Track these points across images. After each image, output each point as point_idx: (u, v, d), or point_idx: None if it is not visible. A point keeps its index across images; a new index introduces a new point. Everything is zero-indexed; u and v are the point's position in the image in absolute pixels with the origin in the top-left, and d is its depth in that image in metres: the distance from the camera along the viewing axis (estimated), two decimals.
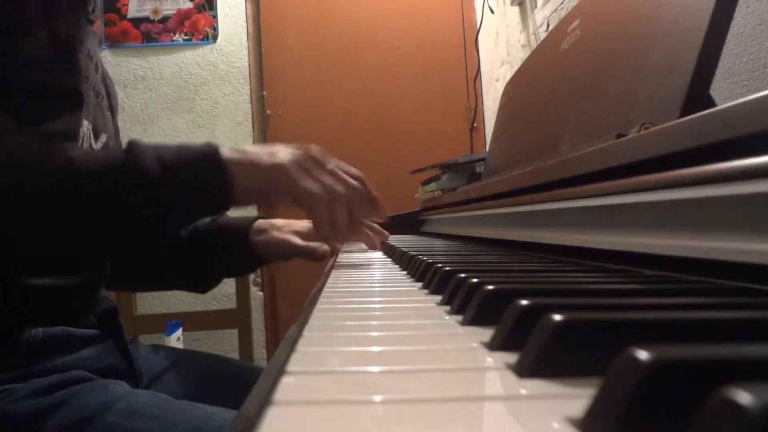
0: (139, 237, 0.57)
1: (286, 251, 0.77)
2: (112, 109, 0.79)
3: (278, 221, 0.80)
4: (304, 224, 0.79)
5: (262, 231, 0.79)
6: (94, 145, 0.69)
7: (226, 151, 0.55)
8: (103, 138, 0.72)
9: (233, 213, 0.68)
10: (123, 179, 0.51)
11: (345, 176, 0.61)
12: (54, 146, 0.52)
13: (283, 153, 0.57)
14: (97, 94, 0.71)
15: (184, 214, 0.57)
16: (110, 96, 0.78)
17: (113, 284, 0.79)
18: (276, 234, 0.79)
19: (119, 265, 0.76)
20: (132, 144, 0.53)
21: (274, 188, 0.56)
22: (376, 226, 0.77)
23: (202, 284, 0.84)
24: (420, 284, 0.44)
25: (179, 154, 0.54)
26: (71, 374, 0.58)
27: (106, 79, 0.78)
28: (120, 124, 0.83)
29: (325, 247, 0.70)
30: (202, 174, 0.53)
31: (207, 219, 0.81)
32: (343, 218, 0.59)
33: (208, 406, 0.60)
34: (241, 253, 0.79)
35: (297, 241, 0.76)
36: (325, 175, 0.59)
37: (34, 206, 0.50)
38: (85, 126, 0.66)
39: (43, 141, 0.53)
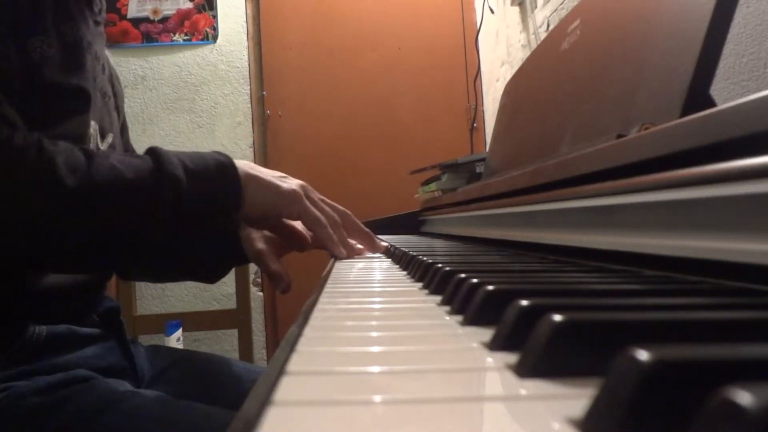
0: (157, 239, 0.59)
1: (250, 254, 0.70)
2: (118, 108, 0.79)
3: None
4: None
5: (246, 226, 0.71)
6: (100, 145, 0.70)
7: (239, 162, 0.59)
8: (110, 138, 0.72)
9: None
10: (156, 185, 0.53)
11: (334, 206, 0.69)
12: (93, 151, 0.54)
13: (291, 179, 0.64)
14: (104, 94, 0.72)
15: (200, 221, 0.57)
16: (116, 95, 0.79)
17: (124, 276, 0.78)
18: (249, 231, 0.71)
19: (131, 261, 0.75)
20: (156, 151, 0.55)
21: (285, 207, 0.61)
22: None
23: (212, 272, 0.78)
24: (420, 284, 0.44)
25: (199, 161, 0.57)
26: (75, 373, 0.59)
27: (112, 78, 0.79)
28: None
29: (287, 281, 0.67)
30: (220, 182, 0.57)
31: None
32: (344, 237, 0.67)
33: (208, 406, 0.60)
34: (230, 243, 0.72)
35: (261, 247, 0.69)
36: (321, 204, 0.66)
37: (77, 210, 0.51)
38: (93, 126, 0.67)
39: (84, 150, 0.54)
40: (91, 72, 0.67)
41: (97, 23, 0.70)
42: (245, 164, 0.60)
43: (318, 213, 0.63)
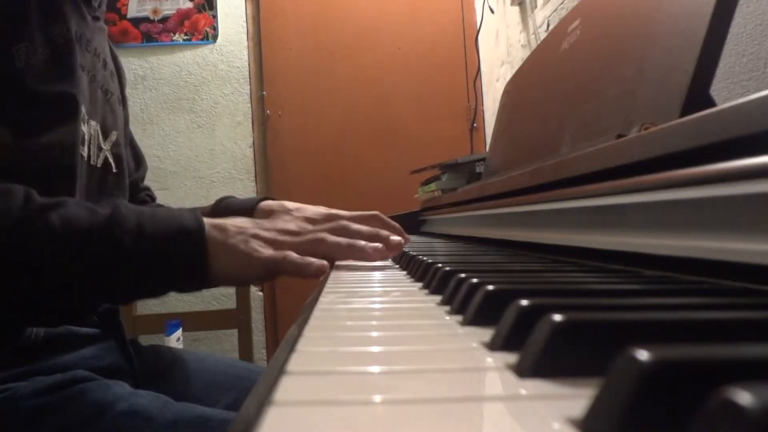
0: (110, 299, 0.56)
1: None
2: (124, 100, 0.78)
3: (290, 204, 0.66)
4: (319, 210, 0.64)
5: (269, 213, 0.66)
6: (103, 145, 0.69)
7: (209, 228, 0.53)
8: (113, 136, 0.72)
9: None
10: (97, 249, 0.49)
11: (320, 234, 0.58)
12: (35, 206, 0.49)
13: (255, 236, 0.55)
14: (106, 91, 0.71)
15: (156, 285, 0.54)
16: (122, 87, 0.77)
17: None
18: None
19: None
20: (115, 212, 0.51)
21: (249, 274, 0.54)
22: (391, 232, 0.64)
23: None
24: (420, 284, 0.44)
25: (161, 227, 0.51)
26: (73, 374, 0.58)
27: (119, 71, 0.77)
28: None
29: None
30: (180, 252, 0.51)
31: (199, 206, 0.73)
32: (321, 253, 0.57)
33: (207, 407, 0.60)
34: None
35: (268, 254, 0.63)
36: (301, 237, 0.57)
37: (5, 266, 0.48)
38: (93, 127, 0.66)
39: (26, 196, 0.49)
40: (91, 70, 0.66)
41: (96, 18, 0.69)
42: (217, 228, 0.53)
43: (269, 254, 0.54)
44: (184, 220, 0.53)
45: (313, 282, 0.51)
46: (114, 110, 0.73)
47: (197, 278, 0.52)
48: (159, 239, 0.51)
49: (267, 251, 0.54)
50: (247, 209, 0.70)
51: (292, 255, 0.54)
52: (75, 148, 0.61)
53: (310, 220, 0.61)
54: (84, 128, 0.64)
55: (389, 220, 0.65)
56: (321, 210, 0.63)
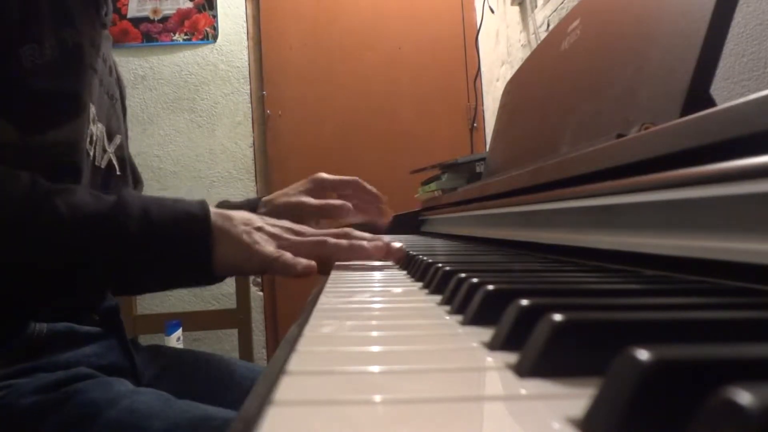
0: (114, 287, 0.58)
1: (302, 211, 0.70)
2: (124, 110, 0.80)
3: (285, 189, 0.74)
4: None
5: (269, 201, 0.75)
6: (107, 147, 0.71)
7: (215, 215, 0.54)
8: (117, 140, 0.73)
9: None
10: (102, 234, 0.50)
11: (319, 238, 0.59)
12: (41, 190, 0.50)
13: (260, 229, 0.56)
14: (111, 96, 0.73)
15: (161, 272, 0.54)
16: (123, 97, 0.79)
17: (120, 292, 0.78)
18: (286, 199, 0.74)
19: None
20: (120, 198, 0.52)
21: (247, 267, 0.55)
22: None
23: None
24: (420, 284, 0.44)
25: (167, 213, 0.52)
26: (76, 371, 0.59)
27: (120, 80, 0.79)
28: None
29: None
30: (184, 237, 0.52)
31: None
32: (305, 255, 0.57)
33: (208, 405, 0.60)
34: None
35: (311, 201, 0.72)
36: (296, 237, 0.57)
37: (11, 250, 0.49)
38: (99, 129, 0.68)
39: (32, 181, 0.50)
40: (100, 75, 0.67)
41: (104, 25, 0.70)
42: (222, 217, 0.55)
43: (267, 250, 0.54)
44: (189, 207, 0.53)
45: (313, 282, 0.51)
46: (118, 116, 0.74)
47: (201, 264, 0.53)
48: (164, 224, 0.51)
49: (266, 247, 0.55)
50: (251, 205, 0.74)
51: (286, 256, 0.54)
52: (80, 146, 0.62)
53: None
54: (92, 128, 0.65)
55: (368, 185, 0.73)
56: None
